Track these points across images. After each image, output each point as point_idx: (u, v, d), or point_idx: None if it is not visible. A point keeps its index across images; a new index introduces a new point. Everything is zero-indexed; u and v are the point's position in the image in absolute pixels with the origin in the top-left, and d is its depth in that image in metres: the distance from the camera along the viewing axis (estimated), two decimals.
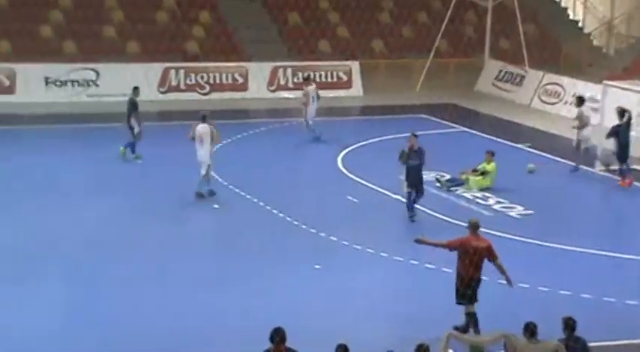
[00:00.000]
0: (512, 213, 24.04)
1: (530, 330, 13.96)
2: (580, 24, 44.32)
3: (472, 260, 16.60)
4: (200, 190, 23.69)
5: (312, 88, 30.40)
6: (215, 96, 35.50)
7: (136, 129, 27.12)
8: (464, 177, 25.84)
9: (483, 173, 25.75)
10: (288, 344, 13.07)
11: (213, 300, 18.06)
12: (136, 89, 27.66)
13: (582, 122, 27.30)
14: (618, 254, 21.04)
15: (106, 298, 18.09)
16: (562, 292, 18.74)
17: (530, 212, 23.94)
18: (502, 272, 16.82)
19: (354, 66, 37.81)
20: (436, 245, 17.16)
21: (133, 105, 27.28)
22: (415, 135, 23.12)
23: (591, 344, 14.30)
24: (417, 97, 36.50)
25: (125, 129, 27.21)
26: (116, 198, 23.82)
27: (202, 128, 23.55)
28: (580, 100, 28.13)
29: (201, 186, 23.69)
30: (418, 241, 17.13)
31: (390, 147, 29.89)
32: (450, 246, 16.88)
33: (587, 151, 27.68)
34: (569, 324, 14.02)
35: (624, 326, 17.38)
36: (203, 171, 23.49)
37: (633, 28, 41.95)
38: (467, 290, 16.52)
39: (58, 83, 34.26)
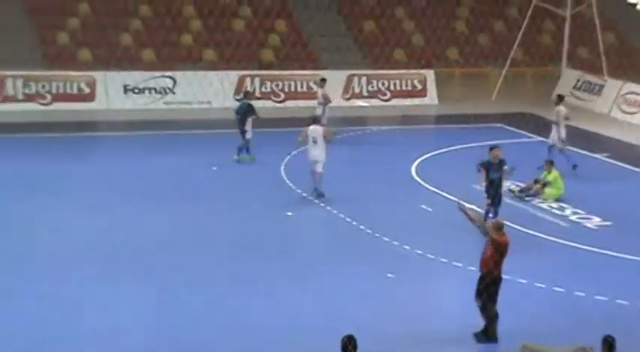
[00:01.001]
0: (589, 224, 23.65)
1: (609, 344, 13.64)
2: None
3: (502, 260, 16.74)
4: (319, 188, 24.54)
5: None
6: (290, 104, 35.55)
7: (248, 134, 27.64)
8: (538, 186, 25.50)
9: (545, 184, 25.42)
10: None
11: (289, 301, 18.20)
12: (247, 93, 29.03)
13: None
14: None
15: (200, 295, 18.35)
16: None
17: (607, 223, 23.54)
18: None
19: (429, 74, 37.59)
20: (472, 220, 17.46)
21: (250, 108, 27.91)
22: (497, 147, 22.86)
23: None
24: (493, 106, 36.17)
25: (237, 133, 27.81)
26: (204, 201, 24.26)
27: (314, 129, 24.56)
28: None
29: (319, 185, 24.52)
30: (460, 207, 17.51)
31: (465, 156, 29.71)
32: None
33: None
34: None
35: None
36: (319, 169, 24.39)
37: None
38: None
39: (136, 90, 34.53)
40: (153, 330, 16.91)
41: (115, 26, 37.21)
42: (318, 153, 24.36)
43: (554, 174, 25.52)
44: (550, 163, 25.88)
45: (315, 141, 24.39)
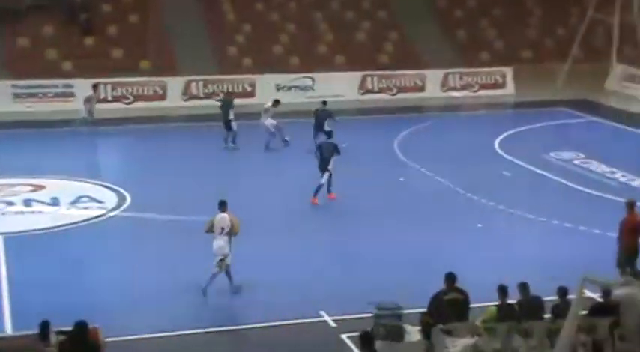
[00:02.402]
0: (634, 184, 23.11)
1: None
2: None
3: (631, 234, 15.95)
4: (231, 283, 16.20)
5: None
6: (400, 96, 35.42)
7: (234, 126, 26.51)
8: None
9: None
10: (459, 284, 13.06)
11: (404, 250, 18.10)
12: (229, 93, 27.89)
13: None
14: None
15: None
16: None
17: None
18: None
19: (508, 71, 36.94)
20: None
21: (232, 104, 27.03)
22: None
23: None
24: (558, 94, 35.41)
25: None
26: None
27: (222, 219, 15.92)
28: None
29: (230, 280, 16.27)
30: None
31: (537, 133, 29.31)
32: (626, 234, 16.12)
33: None
34: None
35: None
36: (225, 262, 15.93)
37: None
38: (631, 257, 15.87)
39: (285, 88, 34.80)
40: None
41: (269, 39, 37.45)
42: (222, 244, 15.81)
43: None
44: None
45: (221, 232, 15.81)
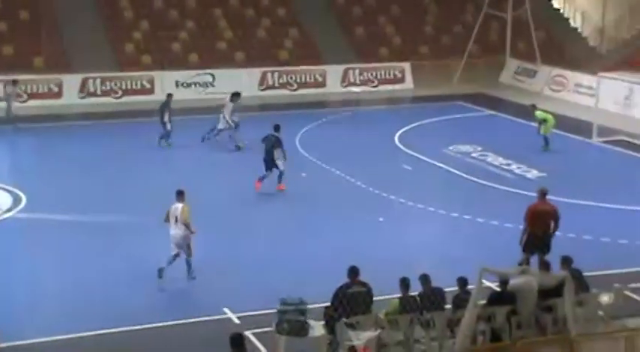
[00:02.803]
0: (529, 176, 23.73)
1: (544, 264, 13.87)
2: (579, 30, 43.37)
3: (541, 221, 16.22)
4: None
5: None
6: (301, 92, 35.47)
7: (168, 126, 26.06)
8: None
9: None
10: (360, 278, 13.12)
11: (307, 246, 18.15)
12: (169, 95, 27.04)
13: None
14: (611, 205, 20.70)
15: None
16: (569, 235, 18.52)
17: (543, 174, 23.60)
18: (556, 229, 16.35)
19: (406, 66, 37.47)
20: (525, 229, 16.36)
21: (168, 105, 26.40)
22: None
23: (587, 274, 14.19)
24: (455, 89, 36.10)
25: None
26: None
27: (175, 208, 16.29)
28: (533, 107, 27.00)
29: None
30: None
31: (437, 128, 29.79)
32: (528, 221, 16.38)
33: None
34: (568, 261, 13.87)
35: (606, 259, 17.08)
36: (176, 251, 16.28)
37: (621, 31, 40.96)
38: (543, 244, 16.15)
39: (185, 85, 34.43)
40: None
41: (167, 37, 37.01)
42: (178, 233, 16.12)
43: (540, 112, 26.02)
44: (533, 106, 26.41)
45: (176, 221, 16.17)
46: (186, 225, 16.00)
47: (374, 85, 36.71)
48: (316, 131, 28.75)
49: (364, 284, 13.06)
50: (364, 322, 12.49)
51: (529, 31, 37.46)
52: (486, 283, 13.76)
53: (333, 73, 36.32)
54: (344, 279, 13.04)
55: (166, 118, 26.21)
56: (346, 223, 19.56)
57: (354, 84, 36.47)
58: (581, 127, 28.50)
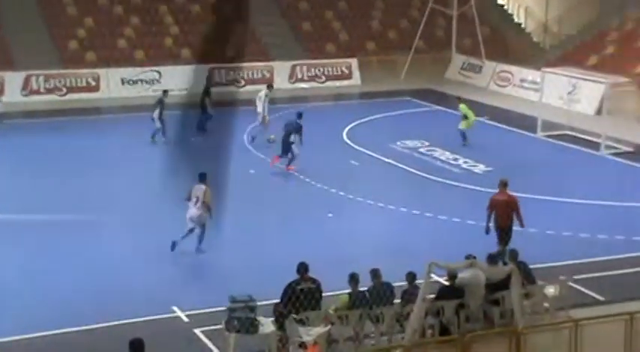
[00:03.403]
0: (476, 170, 23.98)
1: (491, 257, 14.03)
2: (522, 25, 43.94)
3: (501, 211, 16.39)
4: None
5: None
6: (249, 88, 35.30)
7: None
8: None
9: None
10: (310, 274, 13.13)
11: (256, 242, 18.06)
12: (165, 92, 27.20)
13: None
14: (555, 198, 21.02)
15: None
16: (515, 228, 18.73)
17: (490, 168, 23.87)
18: (520, 219, 16.52)
19: (353, 62, 37.60)
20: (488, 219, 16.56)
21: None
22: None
23: (532, 266, 14.41)
24: (402, 84, 36.32)
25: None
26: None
27: (198, 188, 17.38)
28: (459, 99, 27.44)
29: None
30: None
31: (384, 123, 29.95)
32: (489, 211, 16.60)
33: None
34: (513, 254, 14.09)
35: (551, 251, 17.31)
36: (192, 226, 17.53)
37: (563, 27, 41.60)
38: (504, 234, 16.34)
39: (131, 82, 34.10)
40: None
41: (113, 33, 36.64)
42: (195, 213, 17.19)
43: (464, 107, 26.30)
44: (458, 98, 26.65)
45: (196, 201, 17.19)
46: (208, 207, 16.94)
47: (321, 81, 36.76)
48: (262, 128, 28.60)
49: (314, 281, 13.09)
50: (314, 318, 12.52)
51: (474, 27, 37.86)
52: (435, 277, 13.87)
53: (281, 69, 36.30)
54: (293, 276, 13.04)
55: (155, 115, 26.17)
56: (295, 219, 19.57)
57: (302, 80, 36.47)
58: (526, 122, 28.88)
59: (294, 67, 36.53)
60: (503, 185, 16.82)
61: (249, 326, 12.49)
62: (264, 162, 24.34)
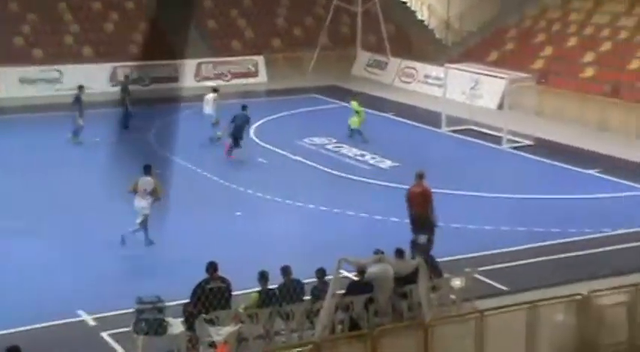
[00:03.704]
0: (383, 166, 24.24)
1: (400, 252, 14.21)
2: (425, 22, 44.62)
3: (416, 202, 16.62)
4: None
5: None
6: (154, 87, 34.91)
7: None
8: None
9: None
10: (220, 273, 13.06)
11: (163, 243, 17.83)
12: (80, 88, 26.55)
13: None
14: (461, 192, 21.43)
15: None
16: None
17: (397, 164, 24.16)
18: (431, 212, 16.67)
19: (260, 59, 37.56)
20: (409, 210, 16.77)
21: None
22: None
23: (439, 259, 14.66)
24: (308, 81, 36.45)
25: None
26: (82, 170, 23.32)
27: (146, 181, 17.87)
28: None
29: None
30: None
31: (291, 120, 30.00)
32: (407, 202, 16.84)
33: None
34: (419, 247, 14.29)
35: (457, 244, 17.64)
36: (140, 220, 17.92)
37: (465, 24, 42.39)
38: (419, 225, 16.54)
39: (30, 81, 33.20)
40: None
41: (8, 31, 35.57)
42: (145, 204, 17.64)
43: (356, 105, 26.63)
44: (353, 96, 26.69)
45: (144, 192, 17.66)
46: (157, 197, 17.58)
47: (227, 79, 36.59)
48: (171, 127, 28.33)
49: (223, 280, 13.02)
50: (224, 317, 12.46)
51: (379, 24, 38.28)
52: (344, 273, 13.99)
53: (186, 67, 35.91)
54: (203, 275, 12.95)
55: (76, 113, 25.63)
56: (203, 219, 19.40)
57: (208, 78, 36.18)
58: (431, 117, 29.35)
59: (199, 65, 36.24)
60: (420, 177, 17.08)
61: (158, 327, 12.35)
62: (169, 161, 24.08)
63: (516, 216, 19.52)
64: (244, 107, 25.21)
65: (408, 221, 16.79)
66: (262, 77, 37.19)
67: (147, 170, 17.83)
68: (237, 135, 24.51)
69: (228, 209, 20.13)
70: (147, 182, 17.63)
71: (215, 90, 27.64)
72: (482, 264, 16.43)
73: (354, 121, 26.65)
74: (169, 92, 33.90)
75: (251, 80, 36.84)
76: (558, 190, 21.91)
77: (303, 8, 42.16)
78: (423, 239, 16.12)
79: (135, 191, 17.62)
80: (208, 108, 26.96)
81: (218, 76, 36.40)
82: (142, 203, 17.57)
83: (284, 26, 41.24)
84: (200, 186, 22.12)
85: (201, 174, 22.98)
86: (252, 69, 37.24)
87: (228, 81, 36.49)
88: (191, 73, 35.91)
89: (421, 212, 16.60)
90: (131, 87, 29.38)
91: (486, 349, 12.27)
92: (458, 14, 42.84)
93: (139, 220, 17.57)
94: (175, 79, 35.60)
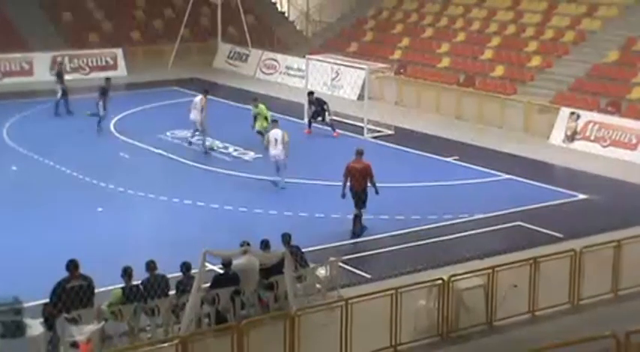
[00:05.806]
0: (246, 158, 24.21)
1: (265, 243, 14.23)
2: (286, 14, 44.84)
3: (356, 178, 17.83)
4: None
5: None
6: (7, 81, 33.65)
7: None
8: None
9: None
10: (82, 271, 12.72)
11: (21, 242, 17.25)
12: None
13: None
14: (325, 182, 21.64)
15: None
16: (286, 213, 19.14)
17: (259, 155, 24.14)
18: (374, 184, 17.86)
19: (119, 52, 36.76)
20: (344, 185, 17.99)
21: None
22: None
23: (305, 249, 14.78)
24: (169, 74, 35.96)
25: None
26: None
27: (275, 132, 21.43)
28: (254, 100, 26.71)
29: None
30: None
31: (153, 114, 29.51)
32: (345, 177, 17.97)
33: None
34: (286, 238, 14.38)
35: (321, 233, 17.84)
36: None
37: (324, 16, 42.88)
38: (358, 198, 17.78)
39: None
40: None
41: None
42: (278, 152, 20.97)
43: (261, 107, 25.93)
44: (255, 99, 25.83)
45: (275, 143, 21.00)
46: (286, 145, 20.71)
47: (86, 72, 35.65)
48: (25, 122, 27.42)
49: (85, 278, 12.68)
50: (86, 316, 12.14)
51: (239, 16, 38.16)
52: (210, 266, 13.90)
53: (41, 60, 34.77)
54: (63, 274, 12.56)
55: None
56: (64, 216, 18.87)
57: (65, 72, 35.05)
58: (293, 108, 29.47)
59: (54, 58, 35.10)
60: (359, 154, 18.24)
61: (15, 329, 11.89)
62: (26, 158, 23.29)
63: (378, 205, 19.82)
64: (107, 79, 26.85)
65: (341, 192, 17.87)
66: (122, 70, 36.41)
67: (273, 123, 21.78)
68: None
69: (90, 205, 19.62)
70: (275, 133, 20.96)
71: (206, 91, 25.51)
72: (347, 253, 16.67)
73: (262, 124, 25.56)
74: (22, 86, 32.79)
75: (110, 73, 35.91)
76: (418, 178, 22.45)
77: (163, 0, 41.55)
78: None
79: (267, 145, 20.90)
80: (196, 113, 24.58)
81: (75, 70, 35.42)
82: (274, 151, 20.77)
83: (143, 18, 40.53)
84: (59, 182, 21.46)
85: (59, 170, 22.28)
86: (111, 62, 36.44)
87: (86, 74, 35.56)
88: (46, 67, 34.70)
89: (363, 187, 17.79)
90: None
91: (352, 336, 12.46)
92: (317, 6, 43.30)
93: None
94: (29, 73, 34.43)
